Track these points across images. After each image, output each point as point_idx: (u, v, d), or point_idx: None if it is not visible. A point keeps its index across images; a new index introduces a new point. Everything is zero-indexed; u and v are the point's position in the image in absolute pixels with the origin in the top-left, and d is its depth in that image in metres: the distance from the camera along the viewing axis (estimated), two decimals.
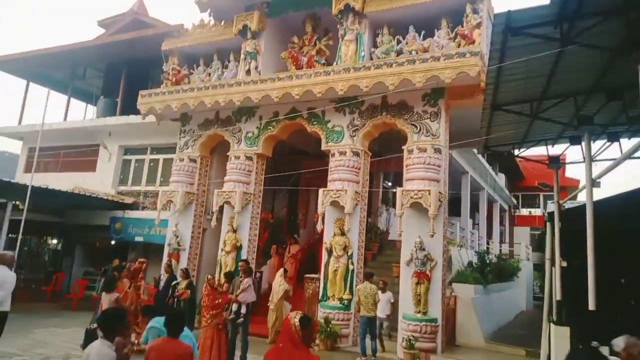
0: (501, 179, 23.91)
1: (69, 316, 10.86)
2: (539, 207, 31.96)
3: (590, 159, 6.31)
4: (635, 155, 5.71)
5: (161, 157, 14.47)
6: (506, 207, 26.97)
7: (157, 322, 5.04)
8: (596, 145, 8.74)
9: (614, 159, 7.78)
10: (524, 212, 32.68)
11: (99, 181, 14.55)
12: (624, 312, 8.02)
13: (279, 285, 9.46)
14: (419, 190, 8.96)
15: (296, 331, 2.74)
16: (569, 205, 9.53)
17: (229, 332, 7.30)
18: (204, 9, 12.11)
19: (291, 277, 10.77)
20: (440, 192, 9.09)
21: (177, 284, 8.97)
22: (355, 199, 9.78)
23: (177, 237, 11.90)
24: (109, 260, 11.24)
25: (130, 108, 14.34)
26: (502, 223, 26.17)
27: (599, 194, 6.75)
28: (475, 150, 16.16)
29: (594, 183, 6.22)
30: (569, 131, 7.92)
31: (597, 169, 7.00)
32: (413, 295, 8.89)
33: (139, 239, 13.17)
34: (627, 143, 8.35)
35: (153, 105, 12.17)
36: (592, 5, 4.23)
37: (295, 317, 2.80)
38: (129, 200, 13.98)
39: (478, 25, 9.40)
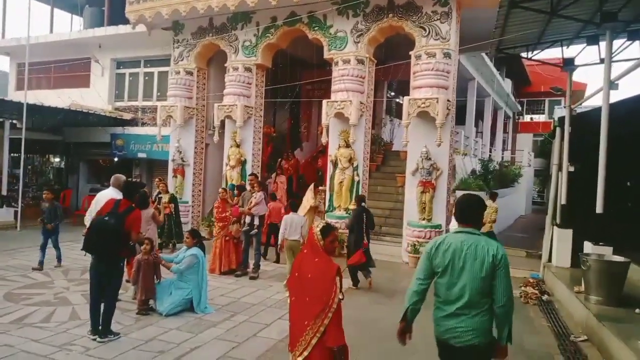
0: (507, 84, 23.20)
1: (81, 231, 11.10)
2: (543, 113, 31.53)
3: (610, 59, 5.95)
4: None
5: (156, 70, 13.87)
6: (510, 114, 26.56)
7: (199, 251, 5.37)
8: (613, 45, 8.27)
9: (632, 60, 7.40)
10: (527, 118, 32.28)
11: (95, 97, 14.10)
12: (624, 214, 8.17)
13: (307, 200, 9.54)
14: (426, 99, 8.66)
15: (318, 239, 2.79)
16: (579, 110, 9.29)
17: (242, 242, 7.53)
18: None
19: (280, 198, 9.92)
20: (448, 100, 8.80)
21: (160, 197, 9.09)
22: (360, 109, 9.50)
23: (180, 152, 11.82)
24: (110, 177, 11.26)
25: (118, 17, 13.47)
26: (505, 130, 25.96)
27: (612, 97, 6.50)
28: (483, 55, 15.46)
29: (611, 85, 5.94)
30: (588, 30, 7.44)
31: (613, 70, 6.65)
32: (418, 204, 8.99)
33: (142, 155, 13.11)
34: None
35: (142, 13, 11.38)
36: None
37: (317, 227, 2.84)
38: (127, 116, 13.68)
39: None
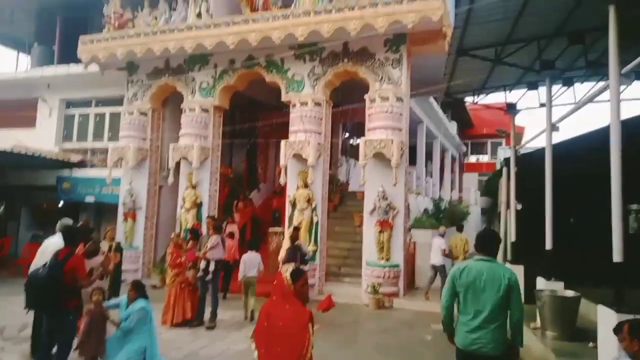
0: (453, 127, 24.45)
1: (22, 283, 10.26)
2: (486, 154, 33.28)
3: (550, 103, 6.44)
4: (600, 99, 5.86)
5: (107, 110, 13.52)
6: (457, 155, 27.83)
7: (147, 303, 4.97)
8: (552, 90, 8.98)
9: (569, 104, 8.05)
10: (472, 159, 33.93)
11: (42, 137, 13.46)
12: (571, 250, 8.60)
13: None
14: (382, 140, 8.93)
15: (288, 284, 2.67)
16: (522, 151, 9.87)
17: (198, 289, 7.20)
18: None
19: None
20: (402, 141, 9.11)
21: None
22: (318, 150, 9.64)
23: (132, 195, 11.37)
24: (56, 223, 10.59)
25: (69, 56, 13.14)
26: (452, 170, 27.08)
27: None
28: (431, 99, 16.32)
29: (553, 127, 6.40)
30: (528, 76, 8.06)
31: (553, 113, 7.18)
32: (376, 243, 9.06)
33: (89, 199, 12.48)
34: (581, 88, 8.61)
35: (96, 53, 11.18)
36: None
37: (287, 271, 2.72)
38: (75, 157, 13.09)
39: None
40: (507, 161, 9.03)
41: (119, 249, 8.66)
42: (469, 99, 9.62)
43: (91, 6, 12.97)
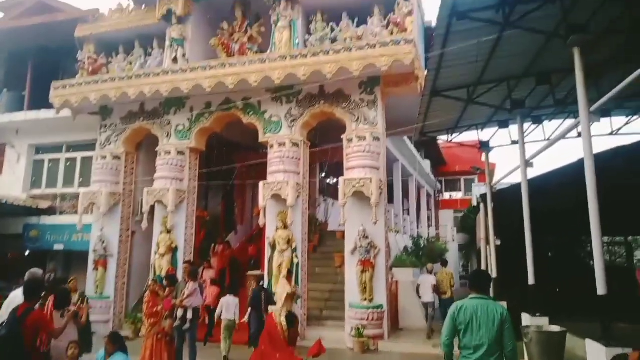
0: (427, 165, 24.95)
1: None
2: (460, 191, 33.93)
3: (523, 140, 6.65)
4: (568, 136, 6.08)
5: (79, 155, 13.23)
6: (432, 192, 28.24)
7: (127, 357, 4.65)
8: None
9: (539, 141, 8.33)
10: (446, 196, 34.50)
11: (8, 184, 12.98)
12: (554, 284, 8.69)
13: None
14: (360, 179, 8.96)
15: (283, 330, 2.55)
16: (497, 187, 10.09)
17: (175, 339, 6.82)
18: None
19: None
20: (380, 180, 9.16)
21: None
22: (297, 190, 9.58)
23: (103, 242, 10.91)
24: (22, 273, 10.03)
25: (39, 102, 12.93)
26: (428, 207, 27.39)
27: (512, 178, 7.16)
28: (405, 138, 16.65)
29: (527, 163, 6.57)
30: (499, 115, 8.34)
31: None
32: (359, 284, 8.90)
33: (58, 247, 11.96)
34: (549, 125, 8.96)
35: (68, 98, 11.02)
36: None
37: (281, 316, 2.60)
38: (44, 204, 12.63)
39: (410, 13, 9.55)
40: (483, 197, 9.18)
41: (84, 300, 8.06)
42: (443, 138, 9.85)
43: (63, 52, 12.92)
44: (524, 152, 6.51)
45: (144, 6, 11.50)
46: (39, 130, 13.23)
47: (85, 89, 10.96)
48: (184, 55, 10.79)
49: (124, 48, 11.71)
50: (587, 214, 4.30)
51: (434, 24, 12.36)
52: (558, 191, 6.75)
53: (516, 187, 7.06)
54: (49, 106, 11.71)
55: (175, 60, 10.73)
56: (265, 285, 9.04)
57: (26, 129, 13.41)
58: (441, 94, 6.97)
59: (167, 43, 10.96)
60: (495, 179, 11.15)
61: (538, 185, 6.71)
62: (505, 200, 8.49)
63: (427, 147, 24.30)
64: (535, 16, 4.61)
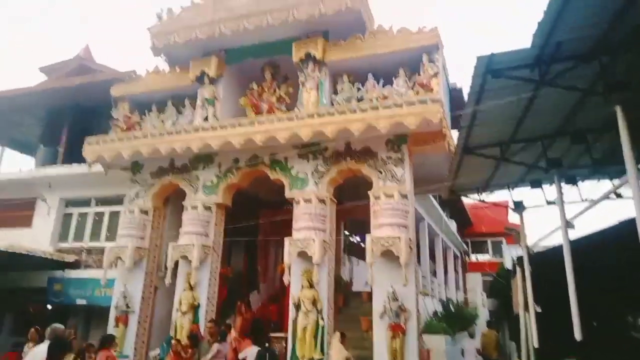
0: (452, 225, 24.40)
1: None
2: (487, 253, 32.76)
3: (562, 201, 6.37)
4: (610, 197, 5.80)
5: (107, 209, 13.43)
6: (458, 254, 27.38)
7: None
8: (553, 188, 9.01)
9: (574, 202, 8.00)
10: (473, 258, 33.33)
11: (36, 237, 13.16)
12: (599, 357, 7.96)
13: (337, 352, 8.44)
14: (389, 237, 8.70)
15: None
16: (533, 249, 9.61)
17: None
18: (158, 53, 11.74)
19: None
20: (410, 239, 8.89)
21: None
22: (324, 248, 9.35)
23: (126, 298, 10.75)
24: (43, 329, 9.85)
25: (73, 157, 13.40)
26: (456, 270, 26.47)
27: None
28: (431, 197, 16.41)
29: (568, 224, 6.24)
30: (532, 175, 8.10)
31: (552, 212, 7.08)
32: (389, 351, 8.37)
33: (81, 301, 11.83)
34: (583, 186, 8.67)
35: (101, 154, 11.35)
36: (569, 49, 4.32)
37: None
38: (70, 258, 12.69)
39: (435, 75, 9.69)
40: (519, 261, 8.73)
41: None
42: (470, 197, 9.61)
43: (99, 110, 13.51)
44: (563, 212, 6.21)
45: (177, 68, 12.06)
46: (71, 184, 13.58)
47: (118, 145, 11.29)
48: (214, 114, 11.12)
49: (157, 107, 12.17)
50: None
51: (458, 85, 12.58)
52: (605, 254, 6.34)
53: (556, 250, 6.68)
54: (82, 161, 12.06)
55: (206, 118, 11.05)
56: (290, 348, 8.61)
57: (58, 183, 13.78)
58: (473, 152, 6.83)
59: (199, 102, 11.35)
60: (528, 241, 10.69)
61: (582, 248, 6.33)
62: (545, 264, 8.03)
63: (452, 206, 23.87)
64: (573, 74, 4.54)
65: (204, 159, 11.04)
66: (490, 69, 4.63)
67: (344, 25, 10.27)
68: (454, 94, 11.86)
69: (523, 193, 10.65)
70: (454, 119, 11.29)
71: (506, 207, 9.39)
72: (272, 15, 10.44)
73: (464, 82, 11.37)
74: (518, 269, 8.69)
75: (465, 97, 10.41)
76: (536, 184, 8.39)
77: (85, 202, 13.81)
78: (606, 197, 5.74)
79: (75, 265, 12.64)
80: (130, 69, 12.71)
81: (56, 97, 14.02)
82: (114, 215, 12.98)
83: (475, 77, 4.84)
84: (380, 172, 9.53)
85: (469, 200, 10.30)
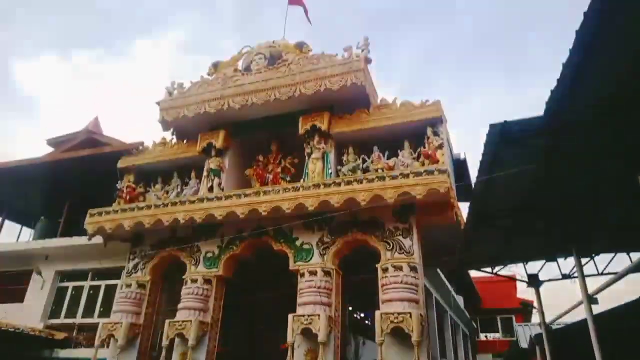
0: (460, 301, 23.49)
1: None
2: (497, 332, 31.24)
3: (582, 275, 6.08)
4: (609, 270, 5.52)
5: (103, 283, 12.95)
6: (467, 332, 26.11)
7: None
8: (568, 262, 8.70)
9: (591, 275, 7.67)
10: (482, 337, 31.74)
11: (27, 313, 12.55)
12: None
13: None
14: (399, 313, 8.23)
15: None
16: (553, 326, 9.10)
17: None
18: (167, 128, 11.98)
19: None
20: (421, 315, 8.40)
21: None
22: (329, 325, 8.83)
23: None
24: None
25: (73, 229, 13.19)
26: (465, 349, 25.07)
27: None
28: (438, 271, 15.91)
29: (591, 299, 5.90)
30: (547, 247, 7.85)
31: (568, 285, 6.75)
32: None
33: None
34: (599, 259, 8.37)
35: (103, 225, 11.14)
36: (585, 115, 4.30)
37: None
38: (60, 335, 12.00)
39: (440, 146, 9.76)
40: (537, 339, 8.21)
41: None
42: (486, 270, 9.25)
43: (103, 182, 13.47)
44: (585, 287, 5.89)
45: (185, 140, 12.24)
46: (68, 256, 13.23)
47: (120, 216, 11.12)
48: (219, 185, 11.08)
49: (162, 178, 12.18)
50: None
51: (462, 156, 12.66)
52: (631, 330, 5.93)
53: (579, 326, 6.27)
54: (82, 233, 11.82)
55: (211, 189, 11.00)
56: None
57: (56, 255, 13.44)
58: (485, 223, 6.64)
59: (204, 173, 11.37)
60: (537, 317, 10.15)
61: (606, 324, 5.93)
62: (566, 342, 7.54)
63: (459, 281, 23.14)
64: (589, 140, 4.50)
65: (207, 230, 10.81)
66: (504, 137, 4.59)
67: (349, 99, 10.56)
68: (458, 165, 11.92)
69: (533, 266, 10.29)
70: (459, 190, 11.24)
71: (514, 281, 8.97)
72: (280, 90, 10.78)
73: (467, 152, 11.42)
74: (537, 348, 8.15)
75: (470, 168, 10.32)
76: (550, 257, 8.13)
77: (82, 275, 13.35)
78: (631, 270, 5.45)
79: (65, 343, 11.92)
80: (137, 140, 12.90)
81: (61, 169, 14.09)
82: (110, 289, 12.49)
83: (488, 145, 4.78)
84: (388, 244, 9.26)
85: (476, 273, 9.96)
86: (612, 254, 8.20)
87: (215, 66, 12.15)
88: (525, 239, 7.22)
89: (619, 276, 5.65)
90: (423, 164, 9.59)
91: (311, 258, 9.65)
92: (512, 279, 9.92)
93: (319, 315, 8.71)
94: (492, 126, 4.54)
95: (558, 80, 3.98)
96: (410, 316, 8.13)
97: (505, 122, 4.46)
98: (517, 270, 9.10)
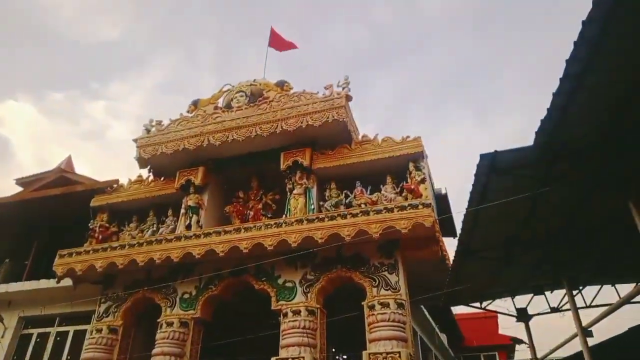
0: (444, 339, 23.05)
1: None
2: None
3: (575, 307, 5.99)
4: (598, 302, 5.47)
5: (72, 328, 12.09)
6: None
7: None
8: (555, 295, 8.65)
9: (583, 307, 7.61)
10: None
11: None
12: None
13: None
14: (387, 353, 7.93)
15: None
16: None
17: None
18: (145, 165, 11.67)
19: None
20: (410, 354, 8.11)
21: None
22: None
23: None
24: None
25: (41, 272, 12.46)
26: None
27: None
28: (423, 308, 15.62)
29: (585, 332, 5.79)
30: (534, 280, 7.80)
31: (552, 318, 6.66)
32: None
33: None
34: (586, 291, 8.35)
35: (73, 266, 10.56)
36: (575, 145, 4.33)
37: None
38: None
39: (423, 181, 9.77)
40: None
41: None
42: (474, 305, 9.10)
43: (74, 222, 12.87)
44: (579, 320, 5.80)
45: (163, 178, 11.92)
46: (33, 301, 12.35)
47: (92, 257, 10.58)
48: (198, 222, 10.73)
49: (137, 217, 11.73)
50: None
51: (443, 191, 12.71)
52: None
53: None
54: (50, 276, 11.17)
55: (189, 227, 10.64)
56: None
57: (20, 300, 12.57)
58: (473, 255, 6.56)
59: (182, 211, 11.01)
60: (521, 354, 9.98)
61: (603, 357, 5.81)
62: None
63: (442, 318, 22.77)
64: (579, 170, 4.52)
65: (184, 269, 10.36)
66: (495, 167, 4.57)
67: (331, 135, 10.55)
68: (439, 199, 11.93)
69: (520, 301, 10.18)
70: (441, 225, 11.20)
71: (497, 317, 8.86)
72: (261, 127, 10.71)
73: (447, 187, 11.54)
74: None
75: (451, 203, 10.31)
76: (538, 289, 8.07)
77: (48, 321, 12.46)
78: (626, 301, 5.40)
79: None
80: (111, 178, 12.48)
81: (30, 209, 13.42)
82: (79, 335, 11.67)
83: (478, 176, 4.76)
84: (374, 280, 9.04)
85: (458, 309, 9.78)
86: (599, 286, 8.21)
87: (195, 104, 12.06)
88: (514, 271, 7.16)
89: (614, 307, 5.58)
90: (406, 199, 9.54)
91: (294, 297, 9.30)
92: (497, 313, 9.77)
93: (303, 357, 8.32)
94: (482, 156, 4.52)
95: (548, 109, 4.01)
96: (399, 356, 7.84)
97: (496, 152, 4.45)
98: (504, 305, 9.00)
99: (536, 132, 4.30)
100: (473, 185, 4.90)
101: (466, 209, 5.28)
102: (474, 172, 4.71)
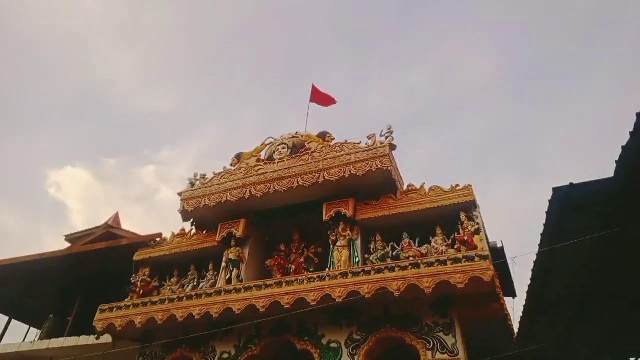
0: None
1: None
2: None
3: None
4: None
5: None
6: None
7: None
8: None
9: None
10: None
11: None
12: None
13: None
14: None
15: None
16: None
17: None
18: (188, 218, 11.63)
19: None
20: None
21: None
22: None
23: None
24: None
25: (83, 328, 12.28)
26: None
27: None
28: None
29: None
30: (616, 341, 6.77)
31: None
32: None
33: None
34: None
35: (113, 322, 10.30)
36: None
37: None
38: None
39: (477, 231, 9.07)
40: None
41: None
42: None
43: (117, 277, 12.85)
44: None
45: (205, 231, 11.80)
46: (74, 358, 12.13)
47: (132, 312, 10.33)
48: (238, 276, 10.37)
49: (178, 271, 11.54)
50: None
51: (499, 244, 11.82)
52: None
53: None
54: (92, 332, 10.95)
55: (229, 281, 10.28)
56: None
57: (61, 356, 12.35)
58: (545, 312, 5.76)
59: (223, 265, 10.72)
60: None
61: None
62: None
63: None
64: None
65: (223, 326, 9.84)
66: (570, 203, 4.01)
67: (375, 185, 10.18)
68: (496, 253, 11.05)
69: None
70: (534, 266, 10.21)
71: None
72: (303, 177, 10.52)
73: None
74: None
75: (508, 258, 9.39)
76: (622, 356, 6.98)
77: None
78: None
79: None
80: (155, 232, 12.49)
81: (75, 264, 13.55)
82: None
83: (551, 214, 4.20)
84: (428, 342, 8.18)
85: None
86: None
87: (238, 157, 12.13)
88: (592, 331, 6.23)
89: None
90: (459, 251, 8.83)
91: (340, 359, 8.54)
92: None
93: None
94: (556, 190, 3.99)
95: (631, 132, 3.51)
96: None
97: (572, 184, 3.92)
98: None
99: (617, 161, 3.76)
100: (544, 224, 4.32)
101: (537, 253, 4.65)
102: (546, 209, 4.15)
